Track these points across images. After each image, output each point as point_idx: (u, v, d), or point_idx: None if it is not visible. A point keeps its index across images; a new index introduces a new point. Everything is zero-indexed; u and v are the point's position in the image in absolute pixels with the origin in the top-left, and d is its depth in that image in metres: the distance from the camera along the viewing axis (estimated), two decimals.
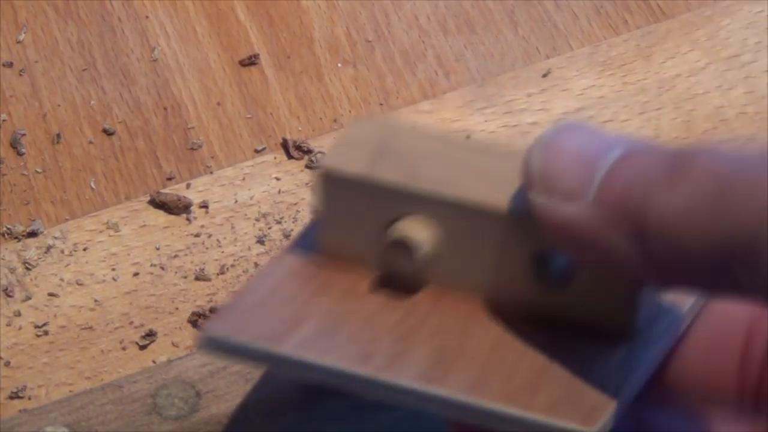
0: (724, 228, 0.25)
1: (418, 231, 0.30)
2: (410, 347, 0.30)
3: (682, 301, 0.32)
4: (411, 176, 0.31)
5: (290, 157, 0.54)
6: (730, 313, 0.34)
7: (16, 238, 0.52)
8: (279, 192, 0.53)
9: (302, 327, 0.30)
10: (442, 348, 0.30)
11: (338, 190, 0.32)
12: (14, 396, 0.48)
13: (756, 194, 0.25)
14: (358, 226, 0.32)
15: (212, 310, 0.50)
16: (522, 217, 0.30)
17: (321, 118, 0.55)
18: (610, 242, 0.27)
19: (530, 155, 0.29)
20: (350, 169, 0.31)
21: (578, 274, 0.30)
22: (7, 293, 0.50)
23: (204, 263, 0.51)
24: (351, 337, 0.30)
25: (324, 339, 0.30)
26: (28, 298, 0.50)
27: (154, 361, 0.49)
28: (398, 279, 0.32)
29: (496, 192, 0.30)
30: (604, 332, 0.30)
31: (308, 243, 0.34)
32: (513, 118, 0.54)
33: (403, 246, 0.31)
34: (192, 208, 0.52)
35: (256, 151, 0.54)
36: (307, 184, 0.53)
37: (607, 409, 0.28)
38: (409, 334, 0.31)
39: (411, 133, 0.32)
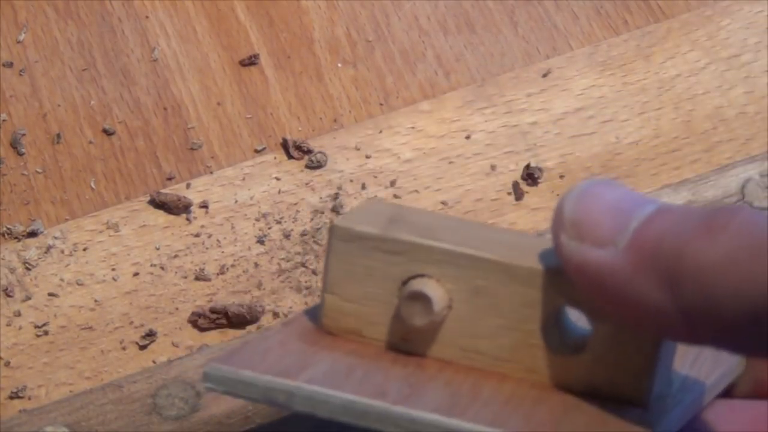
0: (760, 284, 0.25)
1: (435, 287, 0.30)
2: (423, 390, 0.29)
3: (703, 375, 0.32)
4: (428, 236, 0.30)
5: (290, 157, 0.54)
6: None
7: (16, 238, 0.52)
8: (279, 192, 0.53)
9: (311, 368, 0.30)
10: (456, 393, 0.30)
11: (352, 250, 0.31)
12: (14, 396, 0.48)
13: None
14: (370, 286, 0.31)
15: (212, 310, 0.50)
16: (543, 271, 0.30)
17: (321, 118, 0.55)
18: (640, 289, 0.27)
19: (563, 201, 0.29)
20: (367, 229, 0.31)
21: (593, 341, 0.30)
22: (7, 293, 0.50)
23: (204, 263, 0.51)
24: (363, 378, 0.30)
25: (335, 378, 0.29)
26: (28, 298, 0.50)
27: (154, 361, 0.49)
28: (408, 343, 0.31)
29: (514, 252, 0.30)
30: (617, 400, 0.30)
31: (314, 315, 0.33)
32: (513, 118, 0.54)
33: (420, 299, 0.30)
34: (192, 208, 0.52)
35: (256, 151, 0.54)
36: (307, 184, 0.53)
37: None
38: (421, 382, 0.30)
39: (424, 211, 0.32)
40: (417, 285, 0.30)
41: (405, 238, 0.31)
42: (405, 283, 0.31)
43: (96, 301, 0.50)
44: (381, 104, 0.55)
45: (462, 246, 0.30)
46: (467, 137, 0.54)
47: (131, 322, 0.50)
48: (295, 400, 0.29)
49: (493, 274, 0.30)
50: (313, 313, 0.33)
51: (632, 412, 0.30)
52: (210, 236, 0.52)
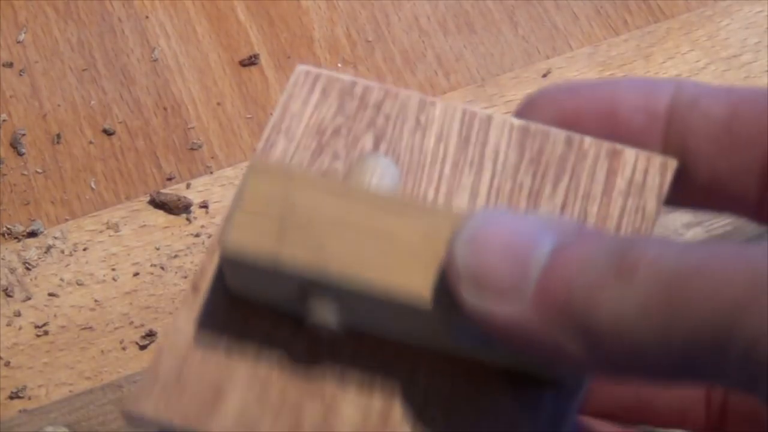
0: (683, 327, 0.24)
1: (330, 313, 0.29)
2: (335, 415, 0.29)
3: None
4: (319, 257, 0.28)
5: None
6: None
7: (16, 238, 0.52)
8: None
9: (225, 402, 0.29)
10: (367, 414, 0.29)
11: (245, 269, 0.30)
12: (14, 396, 0.48)
13: (716, 288, 0.24)
14: (269, 295, 0.30)
15: None
16: (446, 313, 0.28)
17: None
18: (554, 342, 0.26)
19: (453, 251, 0.27)
20: (257, 249, 0.29)
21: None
22: (7, 293, 0.50)
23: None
24: (277, 408, 0.29)
25: (251, 408, 0.29)
26: (28, 298, 0.50)
27: None
28: (310, 345, 0.30)
29: (412, 275, 0.28)
30: (531, 381, 0.29)
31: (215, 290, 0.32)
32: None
33: (316, 328, 0.29)
34: (192, 208, 0.52)
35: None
36: None
37: None
38: (332, 398, 0.30)
39: (313, 190, 0.29)
40: (312, 315, 0.29)
41: (294, 266, 0.29)
42: (305, 293, 0.29)
43: (96, 301, 0.50)
44: None
45: (353, 270, 0.28)
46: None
47: (131, 322, 0.50)
48: None
49: (391, 305, 0.29)
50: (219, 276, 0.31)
51: (544, 406, 0.29)
52: (210, 236, 0.52)
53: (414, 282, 0.28)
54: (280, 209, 0.29)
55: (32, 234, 0.52)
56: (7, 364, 0.49)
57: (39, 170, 0.54)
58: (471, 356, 0.29)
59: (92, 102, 0.55)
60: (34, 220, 0.52)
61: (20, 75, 0.56)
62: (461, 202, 0.31)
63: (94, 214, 0.52)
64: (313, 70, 0.33)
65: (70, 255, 0.51)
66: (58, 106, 0.55)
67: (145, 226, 0.52)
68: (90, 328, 0.50)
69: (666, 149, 0.30)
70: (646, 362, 0.25)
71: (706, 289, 0.24)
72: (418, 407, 0.29)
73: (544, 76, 0.55)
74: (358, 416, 0.29)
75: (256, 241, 0.29)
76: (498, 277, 0.26)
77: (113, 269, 0.51)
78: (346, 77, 0.32)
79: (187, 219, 0.52)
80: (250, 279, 0.30)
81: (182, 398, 0.29)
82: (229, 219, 0.30)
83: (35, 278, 0.51)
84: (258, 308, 0.30)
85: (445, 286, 0.27)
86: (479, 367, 0.29)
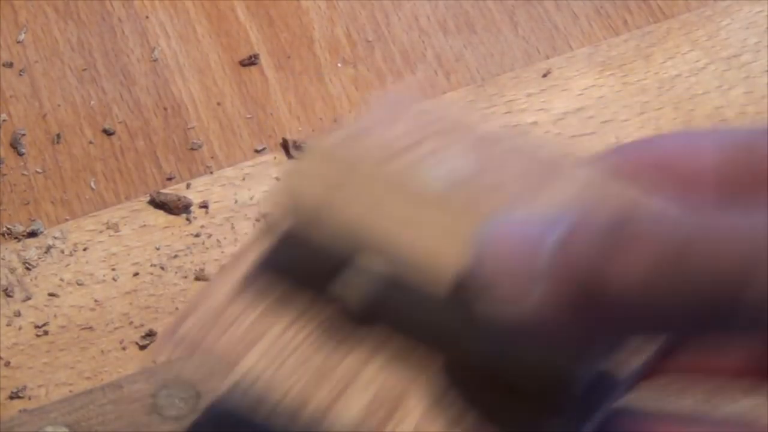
0: (693, 289, 0.25)
1: (360, 288, 0.30)
2: (349, 394, 0.30)
3: (622, 366, 0.32)
4: (367, 216, 0.30)
5: (290, 157, 0.54)
6: None
7: (16, 238, 0.52)
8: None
9: (249, 356, 0.31)
10: (379, 397, 0.30)
11: (298, 222, 0.31)
12: (14, 396, 0.48)
13: (720, 249, 0.25)
14: (309, 265, 0.31)
15: None
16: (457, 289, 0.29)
17: (321, 118, 0.55)
18: (575, 322, 0.27)
19: (471, 258, 0.28)
20: (314, 195, 0.30)
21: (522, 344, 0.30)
22: (7, 293, 0.50)
23: (204, 263, 0.51)
24: (294, 370, 0.30)
25: (267, 375, 0.30)
26: (28, 298, 0.50)
27: (154, 361, 0.49)
28: (344, 320, 0.31)
29: (445, 259, 0.29)
30: (547, 399, 0.30)
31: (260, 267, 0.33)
32: (513, 118, 0.54)
33: (344, 304, 0.31)
34: (192, 208, 0.52)
35: (256, 151, 0.54)
36: None
37: None
38: (350, 377, 0.31)
39: (368, 176, 0.31)
40: (341, 289, 0.30)
41: (338, 223, 0.30)
42: (340, 264, 0.30)
43: (96, 301, 0.50)
44: None
45: (394, 244, 0.30)
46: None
47: (131, 322, 0.50)
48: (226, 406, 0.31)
49: (421, 285, 0.30)
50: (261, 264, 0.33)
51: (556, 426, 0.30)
52: (210, 236, 0.52)
53: (446, 266, 0.29)
54: (341, 172, 0.31)
55: (32, 234, 0.52)
56: (7, 364, 0.49)
57: (39, 170, 0.54)
58: (485, 364, 0.30)
59: (92, 102, 0.55)
60: (34, 220, 0.52)
61: (20, 75, 0.56)
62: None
63: (94, 214, 0.52)
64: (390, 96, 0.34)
65: (70, 255, 0.51)
66: (58, 106, 0.55)
67: (145, 226, 0.52)
68: (90, 328, 0.50)
69: None
70: (659, 323, 0.26)
71: (712, 252, 0.25)
72: (432, 398, 0.30)
73: (544, 76, 0.55)
74: (369, 399, 0.30)
75: (315, 187, 0.31)
76: (512, 278, 0.27)
77: (113, 269, 0.51)
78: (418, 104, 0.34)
79: (187, 219, 0.52)
80: (298, 242, 0.31)
81: (217, 331, 0.31)
82: (293, 168, 0.32)
83: (35, 278, 0.51)
84: (297, 284, 0.32)
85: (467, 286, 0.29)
86: (493, 378, 0.30)
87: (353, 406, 0.30)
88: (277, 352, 0.31)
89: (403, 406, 0.30)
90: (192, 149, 0.54)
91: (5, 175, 0.53)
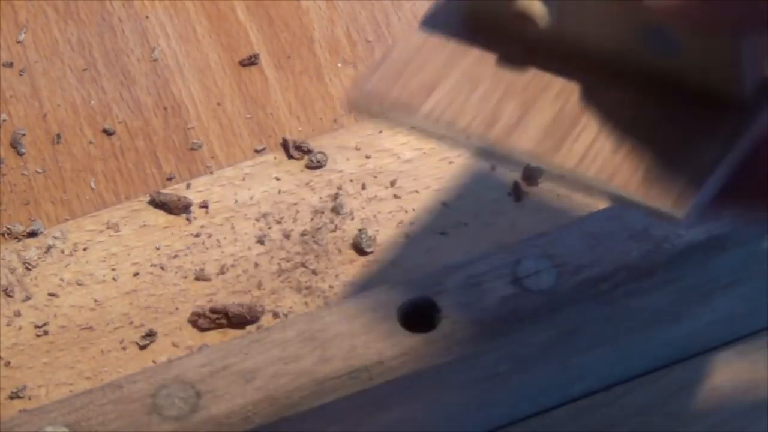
0: None
1: (537, 5, 0.32)
2: (531, 114, 0.33)
3: None
4: None
5: (290, 157, 0.54)
6: None
7: (16, 238, 0.52)
8: (279, 192, 0.53)
9: (439, 88, 0.33)
10: (559, 116, 0.33)
11: None
12: (14, 396, 0.48)
13: None
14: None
15: (212, 310, 0.50)
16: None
17: (321, 118, 0.55)
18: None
19: None
20: None
21: (688, 43, 0.32)
22: (7, 293, 0.50)
23: (204, 263, 0.51)
24: (482, 99, 0.33)
25: (456, 101, 0.33)
26: (28, 298, 0.50)
27: (154, 361, 0.49)
28: (522, 50, 0.34)
29: None
30: (715, 100, 0.32)
31: (441, 19, 0.36)
32: None
33: (524, 18, 0.33)
34: (192, 208, 0.52)
35: (256, 151, 0.54)
36: (307, 184, 0.53)
37: (702, 185, 0.31)
38: (532, 100, 0.33)
39: None
40: (521, 4, 0.33)
41: None
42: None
43: (96, 301, 0.50)
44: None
45: None
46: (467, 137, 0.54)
47: (131, 322, 0.50)
48: (416, 131, 0.34)
49: None
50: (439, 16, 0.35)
51: (723, 127, 0.32)
52: (210, 236, 0.52)
53: None
54: None
55: (32, 234, 0.52)
56: (7, 364, 0.49)
57: (39, 170, 0.54)
58: (661, 71, 0.32)
59: (92, 102, 0.55)
60: (34, 220, 0.52)
61: (20, 75, 0.56)
62: None
63: (94, 214, 0.52)
64: None
65: (70, 255, 0.51)
66: (58, 106, 0.55)
67: (145, 226, 0.52)
68: (90, 328, 0.50)
69: None
70: None
71: None
72: (607, 113, 0.32)
73: None
74: (550, 118, 0.33)
75: None
76: None
77: (113, 269, 0.51)
78: None
79: (187, 219, 0.52)
80: None
81: (402, 80, 0.34)
82: None
83: (35, 278, 0.51)
84: (484, 27, 0.34)
85: None
86: (668, 86, 0.32)
87: (534, 126, 0.32)
88: (462, 87, 0.33)
89: (578, 124, 0.32)
90: (192, 149, 0.54)
91: (5, 175, 0.53)
